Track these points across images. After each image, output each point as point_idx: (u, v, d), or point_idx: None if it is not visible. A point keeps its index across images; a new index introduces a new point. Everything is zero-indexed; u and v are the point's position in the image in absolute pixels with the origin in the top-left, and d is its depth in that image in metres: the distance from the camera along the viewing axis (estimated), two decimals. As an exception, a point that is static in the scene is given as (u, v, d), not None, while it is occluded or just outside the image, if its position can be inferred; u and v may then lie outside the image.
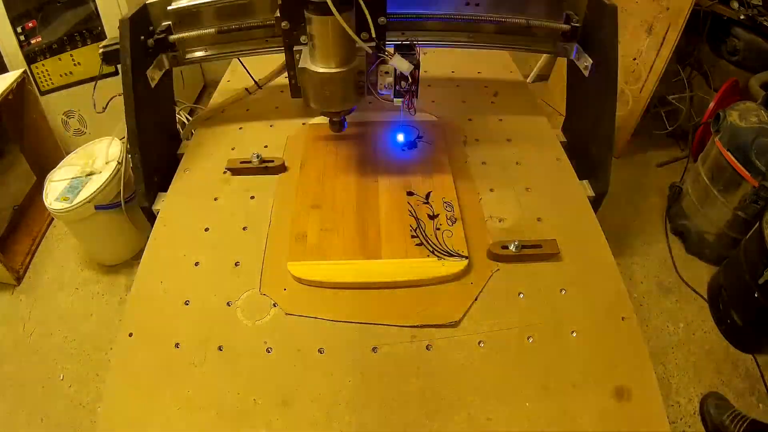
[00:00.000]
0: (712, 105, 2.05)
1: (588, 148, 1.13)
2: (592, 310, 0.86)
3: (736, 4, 1.99)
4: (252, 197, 1.05)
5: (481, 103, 1.33)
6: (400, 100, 0.93)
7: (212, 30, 1.07)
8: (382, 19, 0.87)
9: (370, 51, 0.86)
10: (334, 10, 0.75)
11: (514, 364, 0.79)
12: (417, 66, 0.88)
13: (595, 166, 1.10)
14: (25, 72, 1.92)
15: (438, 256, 0.89)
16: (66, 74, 2.07)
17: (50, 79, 2.07)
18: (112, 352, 0.85)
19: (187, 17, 1.08)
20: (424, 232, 0.94)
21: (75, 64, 2.04)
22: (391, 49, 0.89)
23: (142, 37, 1.03)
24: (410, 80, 0.89)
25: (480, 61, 1.47)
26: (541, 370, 0.78)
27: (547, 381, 0.77)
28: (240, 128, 1.24)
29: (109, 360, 1.61)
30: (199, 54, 1.14)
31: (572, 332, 0.82)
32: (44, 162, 2.09)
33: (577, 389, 0.76)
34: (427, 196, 1.01)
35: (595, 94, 1.10)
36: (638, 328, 0.83)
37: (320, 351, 0.80)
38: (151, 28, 1.06)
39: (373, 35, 0.84)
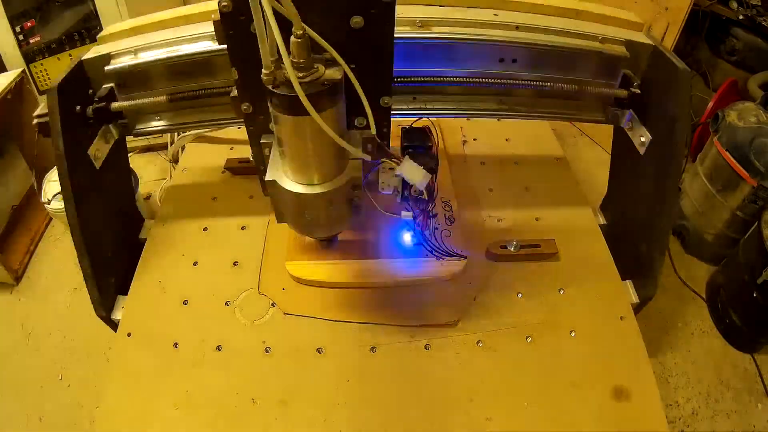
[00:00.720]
0: (710, 105, 2.05)
1: (635, 242, 0.92)
2: (591, 309, 0.86)
3: (735, 4, 1.99)
4: (251, 197, 1.04)
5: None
6: (410, 214, 0.72)
7: (162, 98, 0.83)
8: (386, 100, 0.64)
9: (369, 158, 0.63)
10: (311, 109, 0.49)
11: (512, 364, 0.79)
12: (435, 170, 0.66)
13: (643, 266, 0.89)
14: (23, 71, 1.92)
15: (436, 256, 0.89)
16: (65, 74, 2.06)
17: (49, 78, 2.07)
18: (111, 352, 0.84)
19: (132, 78, 0.85)
20: (423, 231, 0.93)
21: (74, 64, 2.04)
22: (395, 149, 0.66)
23: (78, 107, 0.81)
24: (424, 195, 0.67)
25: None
26: (540, 370, 0.78)
27: (546, 380, 0.77)
28: (239, 128, 1.23)
29: (107, 360, 1.61)
30: (154, 124, 0.91)
31: (571, 332, 0.82)
32: (43, 161, 2.08)
33: (576, 389, 0.76)
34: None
35: (652, 179, 0.87)
36: (637, 328, 0.83)
37: (319, 351, 0.80)
38: (90, 91, 0.85)
39: (374, 131, 0.60)
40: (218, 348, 0.80)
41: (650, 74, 0.85)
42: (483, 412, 0.74)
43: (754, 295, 1.53)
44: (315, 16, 0.53)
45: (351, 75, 0.55)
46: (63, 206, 1.62)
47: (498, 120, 1.25)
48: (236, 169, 1.09)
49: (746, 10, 1.95)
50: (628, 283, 0.92)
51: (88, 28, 1.99)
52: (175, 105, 0.85)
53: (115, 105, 0.85)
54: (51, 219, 2.11)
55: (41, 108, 0.83)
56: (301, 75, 0.51)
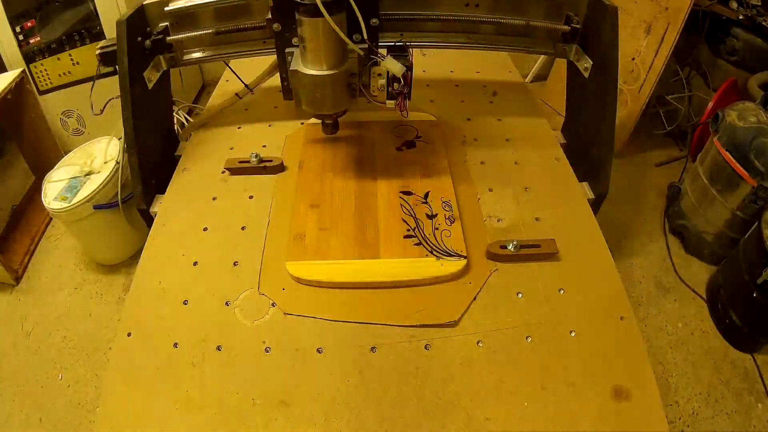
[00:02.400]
0: (710, 105, 2.05)
1: (588, 149, 1.12)
2: (591, 309, 0.86)
3: (735, 4, 1.99)
4: (251, 197, 1.05)
5: (480, 103, 1.33)
6: (393, 102, 0.92)
7: (210, 31, 1.06)
8: (374, 21, 0.88)
9: (361, 53, 0.85)
10: (324, 12, 0.74)
11: (512, 364, 0.79)
12: (410, 68, 0.87)
13: (595, 167, 1.08)
14: (23, 71, 1.92)
15: (436, 256, 0.89)
16: (65, 74, 2.06)
17: (49, 78, 2.07)
18: (111, 352, 0.85)
19: (185, 18, 1.06)
20: (423, 231, 0.94)
21: (74, 64, 2.04)
22: (383, 51, 0.88)
23: (139, 39, 1.01)
24: (402, 82, 0.87)
25: (479, 62, 1.47)
26: (540, 370, 0.78)
27: (546, 381, 0.77)
28: (239, 128, 1.24)
29: (107, 360, 1.61)
30: (196, 55, 1.13)
31: (571, 332, 0.82)
32: (43, 161, 2.08)
33: (576, 389, 0.76)
34: (426, 195, 1.01)
35: (595, 96, 1.09)
36: (637, 328, 0.83)
37: (319, 351, 0.80)
38: (148, 29, 1.04)
39: (365, 37, 0.83)
40: (218, 348, 0.81)
41: (588, 14, 1.06)
42: (483, 412, 0.74)
43: (754, 295, 1.53)
44: None
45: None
46: (63, 206, 1.62)
47: (498, 120, 1.26)
48: (236, 169, 1.09)
49: (746, 10, 1.95)
50: (585, 183, 1.11)
51: (88, 28, 1.99)
52: (217, 39, 1.09)
53: (169, 38, 1.07)
54: (51, 219, 2.11)
55: (106, 41, 1.03)
56: None
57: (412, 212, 0.97)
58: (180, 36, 1.07)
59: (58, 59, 2.03)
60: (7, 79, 1.83)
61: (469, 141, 1.19)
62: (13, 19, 1.94)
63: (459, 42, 1.11)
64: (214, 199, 1.05)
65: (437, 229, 0.94)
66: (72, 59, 2.03)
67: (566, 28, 1.07)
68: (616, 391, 0.76)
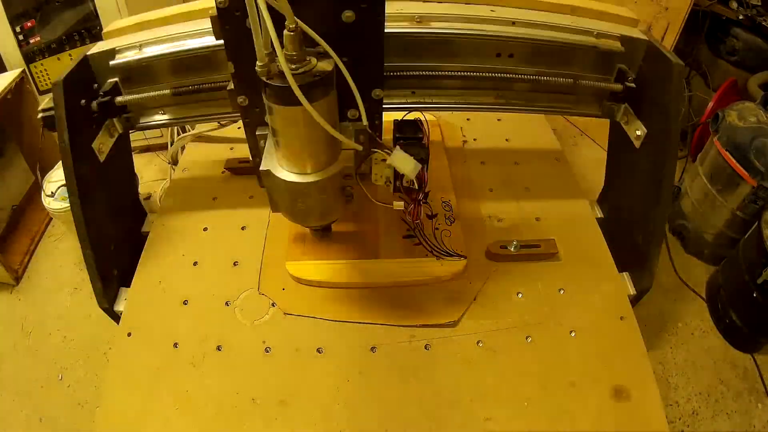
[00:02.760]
0: (710, 105, 2.05)
1: (631, 234, 0.93)
2: (591, 309, 0.86)
3: (735, 4, 1.99)
4: (251, 197, 1.05)
5: (480, 103, 1.32)
6: (401, 204, 0.74)
7: (166, 91, 0.85)
8: (377, 92, 0.68)
9: (359, 148, 0.65)
10: (303, 100, 0.51)
11: (512, 364, 0.79)
12: (426, 160, 0.67)
13: (639, 258, 0.89)
14: (23, 71, 1.92)
15: (436, 256, 0.89)
16: (65, 74, 2.06)
17: (49, 78, 2.07)
18: (111, 352, 0.85)
19: (137, 73, 0.87)
20: (423, 231, 0.93)
21: (74, 64, 2.04)
22: (387, 141, 0.69)
23: (83, 101, 0.83)
24: (416, 186, 0.69)
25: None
26: (540, 370, 0.78)
27: (546, 381, 0.77)
28: (239, 128, 1.24)
29: (107, 360, 1.61)
30: (157, 118, 0.93)
31: (571, 332, 0.82)
32: (43, 162, 2.08)
33: (576, 389, 0.76)
34: (426, 195, 1.01)
35: (647, 172, 0.88)
36: (637, 328, 0.83)
37: (319, 351, 0.80)
38: (95, 85, 0.86)
39: (365, 122, 0.63)
40: (218, 348, 0.80)
41: (645, 69, 0.86)
42: (483, 412, 0.74)
43: (754, 295, 1.53)
44: (307, 10, 0.55)
45: (342, 67, 0.57)
46: (63, 206, 1.62)
47: (498, 120, 1.25)
48: (236, 169, 1.09)
49: (746, 10, 1.95)
50: (625, 275, 0.92)
51: (88, 28, 1.99)
52: (178, 99, 0.87)
53: (119, 99, 0.87)
54: (51, 219, 2.11)
55: (46, 102, 0.84)
56: (293, 67, 0.54)
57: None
58: (132, 97, 0.87)
59: (58, 59, 2.03)
60: (7, 79, 1.83)
61: (469, 141, 1.19)
62: (13, 19, 1.94)
63: (486, 103, 0.90)
64: (214, 199, 1.05)
65: (437, 229, 0.94)
66: (72, 59, 2.03)
67: (619, 86, 0.87)
68: (616, 390, 0.76)
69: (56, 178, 1.72)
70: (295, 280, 0.88)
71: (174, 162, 1.18)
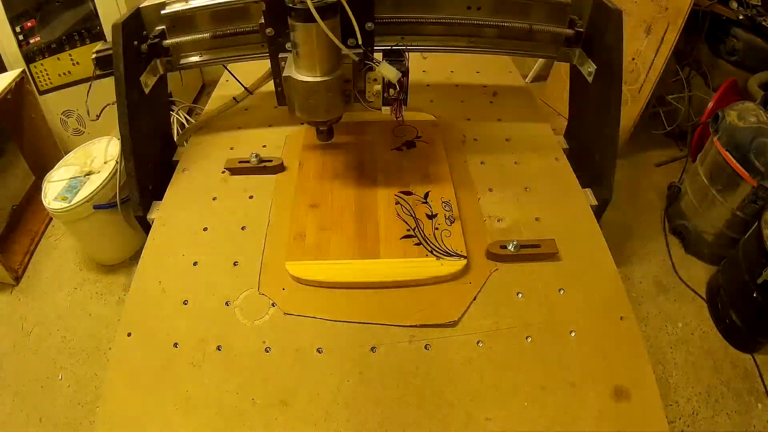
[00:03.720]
0: (710, 105, 2.05)
1: (591, 155, 1.10)
2: (591, 309, 0.86)
3: (735, 4, 1.99)
4: (251, 197, 1.05)
5: (480, 103, 1.33)
6: (389, 108, 0.90)
7: (207, 35, 1.03)
8: (369, 25, 0.86)
9: (356, 59, 0.83)
10: (317, 17, 0.72)
11: (512, 364, 0.79)
12: (405, 73, 0.85)
13: (599, 173, 1.07)
14: (23, 71, 1.91)
15: (436, 256, 0.89)
16: (65, 74, 2.06)
17: (49, 78, 2.07)
18: (111, 352, 0.85)
19: (181, 21, 1.04)
20: (423, 231, 0.94)
21: (74, 64, 2.04)
22: (379, 56, 0.86)
23: (136, 42, 1.00)
24: (398, 88, 0.86)
25: (479, 62, 1.47)
26: (540, 370, 0.78)
27: (546, 381, 0.77)
28: (239, 128, 1.24)
29: (107, 360, 1.61)
30: (194, 59, 1.10)
31: (571, 332, 0.82)
32: (43, 161, 2.08)
33: (576, 389, 0.76)
34: (426, 195, 1.01)
35: (598, 100, 1.07)
36: (637, 328, 0.83)
37: (319, 351, 0.80)
38: (144, 32, 1.03)
39: (360, 42, 0.81)
40: (218, 348, 0.81)
41: (592, 18, 1.04)
42: (483, 412, 0.74)
43: (754, 295, 1.53)
44: None
45: (344, 2, 0.75)
46: (63, 206, 1.62)
47: (498, 120, 1.25)
48: (236, 169, 1.09)
49: (746, 10, 1.95)
50: (588, 190, 1.08)
51: (88, 28, 1.99)
52: (215, 42, 1.06)
53: (166, 42, 1.04)
54: (51, 219, 2.11)
55: (101, 44, 1.03)
56: None
57: (412, 212, 0.97)
58: (177, 40, 1.05)
59: (58, 59, 2.03)
60: (7, 79, 1.83)
61: (469, 141, 1.19)
62: (13, 19, 1.94)
63: (460, 45, 1.09)
64: (214, 199, 1.05)
65: (437, 229, 0.94)
66: (72, 59, 2.03)
67: (570, 32, 1.05)
68: (616, 391, 0.76)
69: (56, 178, 1.72)
70: (295, 280, 0.88)
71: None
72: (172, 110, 2.22)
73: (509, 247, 0.90)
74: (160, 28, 1.04)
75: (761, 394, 1.57)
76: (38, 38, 1.99)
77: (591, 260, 0.93)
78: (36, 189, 2.11)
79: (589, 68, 1.07)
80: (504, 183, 1.07)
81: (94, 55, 1.01)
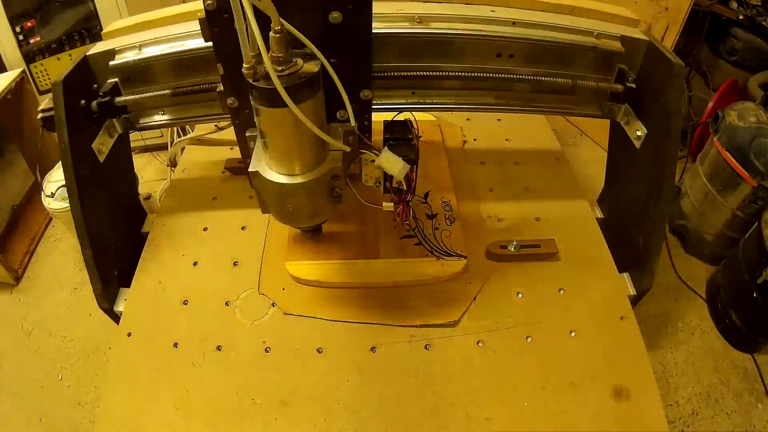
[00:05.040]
0: (710, 105, 2.05)
1: (631, 234, 0.92)
2: (591, 309, 0.86)
3: (735, 4, 1.99)
4: (251, 197, 1.04)
5: (480, 103, 1.32)
6: (391, 205, 0.75)
7: (167, 91, 0.84)
8: (366, 93, 0.68)
9: (347, 149, 0.64)
10: (289, 101, 0.51)
11: (512, 364, 0.79)
12: (415, 161, 0.68)
13: (639, 258, 0.89)
14: (23, 71, 1.92)
15: (436, 256, 0.89)
16: (65, 74, 2.06)
17: (49, 78, 2.07)
18: (111, 352, 0.85)
19: (137, 73, 0.86)
20: (423, 231, 0.93)
21: (74, 64, 2.04)
22: (378, 142, 0.69)
23: (83, 102, 0.82)
24: (405, 187, 0.69)
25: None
26: (540, 370, 0.78)
27: (546, 381, 0.77)
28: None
29: (107, 360, 1.61)
30: (157, 117, 0.92)
31: (571, 332, 0.82)
32: (43, 161, 2.08)
33: (576, 389, 0.76)
34: (426, 195, 1.01)
35: (647, 172, 0.88)
36: (637, 328, 0.83)
37: (319, 351, 0.80)
38: (95, 86, 0.86)
39: (353, 122, 0.62)
40: (218, 348, 0.80)
41: (645, 69, 0.86)
42: (483, 412, 0.74)
43: (754, 295, 1.53)
44: (294, 11, 0.55)
45: (329, 68, 0.57)
46: (63, 206, 1.62)
47: (498, 120, 1.25)
48: (236, 169, 1.09)
49: (746, 10, 1.95)
50: (626, 275, 0.92)
51: (88, 28, 1.99)
52: (178, 99, 0.87)
53: (119, 99, 0.87)
54: (51, 219, 2.11)
55: (46, 103, 0.84)
56: (279, 68, 0.54)
57: (412, 212, 0.97)
58: (132, 97, 0.87)
59: (58, 59, 2.03)
60: (7, 79, 1.83)
61: (469, 141, 1.19)
62: (13, 19, 1.94)
63: (485, 104, 0.90)
64: (214, 199, 1.05)
65: (437, 229, 0.94)
66: (72, 59, 2.03)
67: (619, 87, 0.86)
68: (616, 391, 0.76)
69: (56, 178, 1.72)
70: (295, 280, 0.88)
71: (173, 165, 1.18)
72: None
73: (509, 247, 0.90)
74: (112, 81, 0.86)
75: (761, 394, 1.57)
76: (38, 38, 1.99)
77: (591, 260, 0.93)
78: (36, 189, 2.11)
79: (638, 131, 0.88)
80: (504, 183, 1.07)
81: (39, 115, 0.84)
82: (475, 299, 0.86)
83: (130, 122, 0.92)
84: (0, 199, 2.04)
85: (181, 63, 0.84)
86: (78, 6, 1.98)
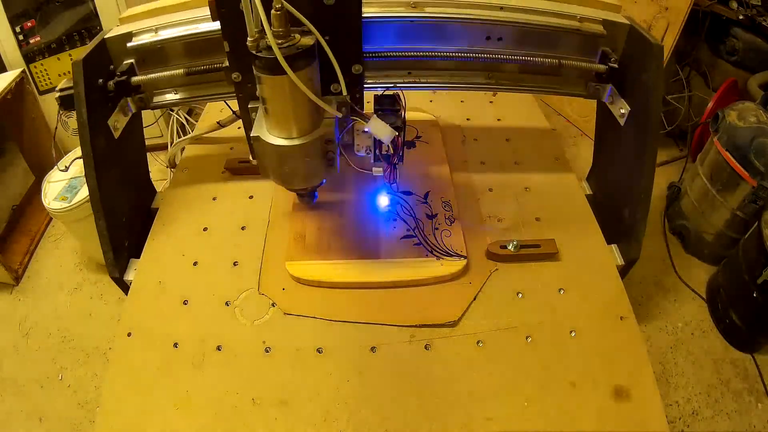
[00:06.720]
0: (710, 105, 2.05)
1: (619, 207, 0.97)
2: (591, 309, 0.86)
3: (735, 4, 1.99)
4: (250, 197, 1.05)
5: (480, 103, 1.33)
6: (380, 168, 0.79)
7: (180, 71, 0.89)
8: (357, 68, 0.73)
9: (340, 115, 0.70)
10: (288, 69, 0.58)
11: (512, 364, 0.79)
12: (402, 128, 0.72)
13: (627, 230, 0.93)
14: (23, 71, 1.92)
15: (436, 256, 0.89)
16: (65, 74, 2.06)
17: (49, 78, 2.07)
18: (111, 352, 0.85)
19: (152, 55, 0.91)
20: (423, 231, 0.94)
21: (74, 64, 2.04)
22: (368, 109, 0.74)
23: (100, 81, 0.87)
24: (392, 151, 0.73)
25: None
26: (540, 370, 0.78)
27: (546, 381, 0.77)
28: (239, 128, 1.23)
29: (107, 360, 1.61)
30: (170, 96, 0.97)
31: (571, 332, 0.82)
32: (43, 161, 2.09)
33: (576, 389, 0.76)
34: (426, 195, 1.01)
35: (631, 147, 0.94)
36: (637, 328, 0.83)
37: (319, 351, 0.80)
38: (111, 66, 0.90)
39: (344, 93, 0.69)
40: (218, 348, 0.81)
41: (627, 51, 0.91)
42: (483, 412, 0.74)
43: (754, 295, 1.53)
44: None
45: (324, 43, 0.64)
46: (63, 206, 1.62)
47: (498, 120, 1.25)
48: (236, 169, 1.09)
49: (746, 10, 1.95)
50: (614, 246, 0.96)
51: (88, 28, 1.99)
52: (189, 79, 0.92)
53: (135, 78, 0.91)
54: (51, 219, 2.11)
55: (64, 83, 0.90)
56: (279, 42, 0.60)
57: (412, 212, 0.97)
58: (148, 76, 0.91)
59: (58, 59, 2.03)
60: (7, 79, 1.83)
61: (469, 141, 1.19)
62: (13, 19, 1.95)
63: (477, 82, 0.95)
64: (214, 199, 1.05)
65: (437, 229, 0.94)
66: (72, 59, 2.03)
67: (602, 67, 0.91)
68: (617, 390, 0.76)
69: (56, 178, 1.72)
70: (295, 280, 0.88)
71: (172, 165, 1.18)
72: (172, 111, 2.22)
73: (509, 247, 0.90)
74: (128, 62, 0.91)
75: (761, 394, 1.57)
76: (38, 38, 1.99)
77: (591, 260, 0.93)
78: (36, 189, 2.11)
79: (621, 109, 0.93)
80: (504, 183, 1.07)
81: (57, 94, 0.90)
82: (475, 299, 0.86)
83: (144, 101, 0.97)
84: (0, 198, 2.04)
85: (194, 45, 0.89)
86: (78, 6, 1.98)
